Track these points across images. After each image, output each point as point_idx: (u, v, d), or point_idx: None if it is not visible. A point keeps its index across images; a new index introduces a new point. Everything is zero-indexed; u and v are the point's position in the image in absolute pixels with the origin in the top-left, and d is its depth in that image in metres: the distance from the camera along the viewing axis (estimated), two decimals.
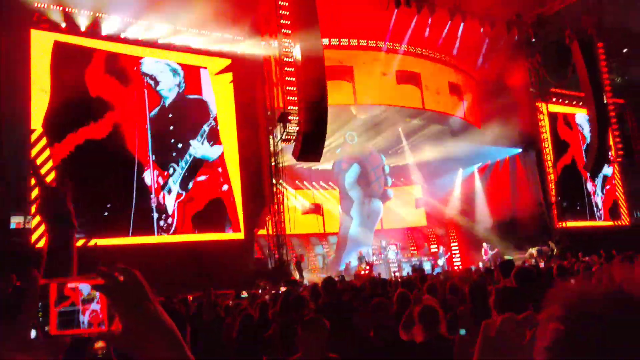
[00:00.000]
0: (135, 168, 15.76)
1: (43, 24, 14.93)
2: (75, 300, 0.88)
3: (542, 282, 5.87)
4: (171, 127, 16.76)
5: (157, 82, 16.85)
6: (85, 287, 0.89)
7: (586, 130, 25.58)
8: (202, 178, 16.98)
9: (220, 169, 17.39)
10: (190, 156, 16.88)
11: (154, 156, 16.18)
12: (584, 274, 7.05)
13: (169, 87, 16.99)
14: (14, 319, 0.85)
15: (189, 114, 17.15)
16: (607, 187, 26.49)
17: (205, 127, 17.31)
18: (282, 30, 15.85)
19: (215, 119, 17.50)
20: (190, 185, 16.69)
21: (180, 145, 16.77)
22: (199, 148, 17.06)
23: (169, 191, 16.27)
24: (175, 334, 0.90)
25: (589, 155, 23.22)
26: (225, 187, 17.32)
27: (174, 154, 16.63)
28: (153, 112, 16.49)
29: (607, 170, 25.67)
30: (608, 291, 0.76)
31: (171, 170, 16.47)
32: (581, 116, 26.01)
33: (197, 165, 16.97)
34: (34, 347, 0.86)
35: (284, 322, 5.72)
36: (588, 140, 24.98)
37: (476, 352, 0.70)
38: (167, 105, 16.81)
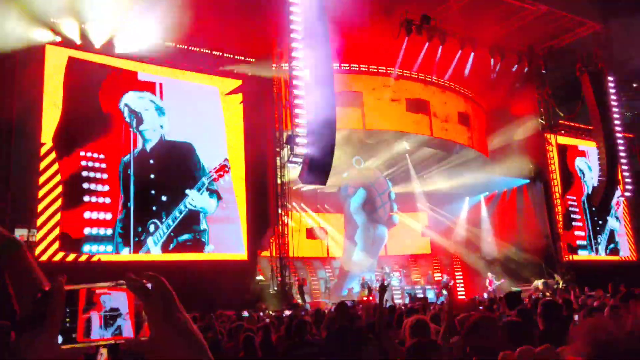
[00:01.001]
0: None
1: (58, 39, 15.16)
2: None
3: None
4: (152, 176, 15.56)
5: (139, 121, 15.65)
6: (108, 299, 0.87)
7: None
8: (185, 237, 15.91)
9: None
10: (185, 207, 15.89)
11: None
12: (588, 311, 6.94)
13: (153, 128, 15.79)
14: (40, 325, 0.84)
15: (174, 161, 16.05)
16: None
17: (205, 180, 16.37)
18: (293, 53, 16.00)
19: (215, 171, 16.42)
20: (172, 246, 15.57)
21: (164, 198, 15.62)
22: (197, 199, 16.08)
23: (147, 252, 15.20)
24: (204, 347, 0.88)
25: (597, 188, 23.10)
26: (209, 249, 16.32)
27: (155, 208, 15.45)
28: (127, 156, 15.39)
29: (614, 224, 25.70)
30: (634, 330, 0.75)
31: (152, 228, 15.32)
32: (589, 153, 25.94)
33: (194, 217, 16.09)
34: (60, 354, 0.84)
35: (287, 347, 5.64)
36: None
37: None
38: (148, 149, 15.74)
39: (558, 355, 0.69)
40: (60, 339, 0.85)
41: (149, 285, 0.88)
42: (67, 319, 0.85)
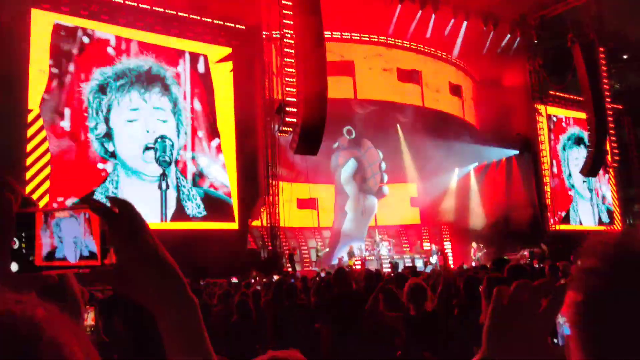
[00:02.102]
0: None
1: (44, 3, 14.80)
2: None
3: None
4: None
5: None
6: (72, 223, 0.81)
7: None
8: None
9: None
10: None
11: None
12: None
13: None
14: None
15: None
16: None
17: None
18: (284, 21, 15.76)
19: None
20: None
21: None
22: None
23: None
24: (177, 272, 0.83)
25: (586, 157, 23.30)
26: None
27: None
28: None
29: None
30: None
31: None
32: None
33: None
34: (16, 281, 0.78)
35: (276, 310, 5.71)
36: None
37: (486, 321, 0.67)
38: None
39: (558, 288, 0.67)
40: (15, 266, 0.79)
41: (115, 210, 0.81)
42: (23, 244, 0.79)
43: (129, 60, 16.05)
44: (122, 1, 15.81)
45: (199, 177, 16.81)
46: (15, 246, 0.80)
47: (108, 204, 0.83)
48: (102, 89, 15.40)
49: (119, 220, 0.81)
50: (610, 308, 0.70)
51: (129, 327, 2.19)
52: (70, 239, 0.80)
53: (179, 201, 16.27)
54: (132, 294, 0.82)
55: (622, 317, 0.69)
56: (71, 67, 15.06)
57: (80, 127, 14.98)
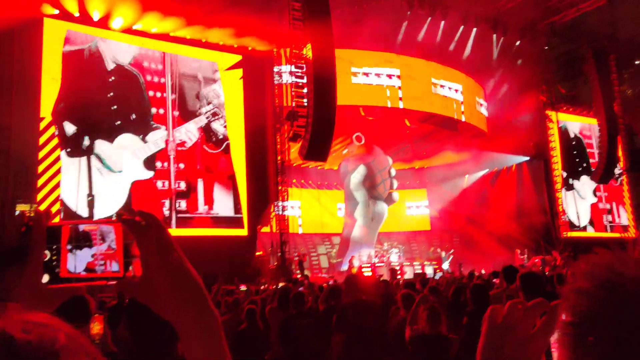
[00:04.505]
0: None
1: (56, 12, 14.98)
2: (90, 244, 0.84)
3: (547, 291, 5.82)
4: None
5: None
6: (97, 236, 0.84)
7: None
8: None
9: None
10: None
11: None
12: None
13: None
14: (23, 259, 0.81)
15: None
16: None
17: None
18: (294, 29, 15.84)
19: None
20: None
21: None
22: None
23: None
24: (201, 286, 0.83)
25: (597, 164, 23.11)
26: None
27: None
28: None
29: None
30: None
31: None
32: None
33: None
34: (47, 293, 0.81)
35: (281, 317, 5.69)
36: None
37: (481, 340, 0.67)
38: None
39: (553, 308, 0.65)
40: (46, 277, 0.82)
41: (143, 223, 0.83)
42: (54, 257, 0.82)
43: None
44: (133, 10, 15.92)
45: None
46: (46, 258, 0.82)
47: (135, 217, 0.84)
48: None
49: (146, 233, 0.83)
50: (599, 330, 0.69)
51: (134, 335, 2.20)
52: (96, 251, 0.82)
53: None
54: (155, 306, 0.82)
55: (611, 339, 0.68)
56: (82, 75, 15.16)
57: None
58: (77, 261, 0.82)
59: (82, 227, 0.83)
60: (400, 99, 20.50)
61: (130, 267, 0.83)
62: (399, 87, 20.53)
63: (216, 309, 0.84)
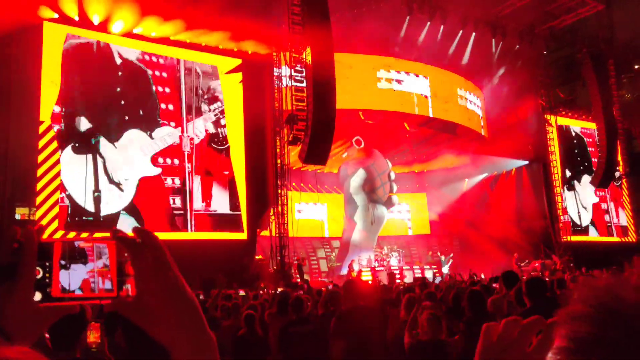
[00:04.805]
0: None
1: (56, 16, 14.99)
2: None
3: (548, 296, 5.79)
4: None
5: None
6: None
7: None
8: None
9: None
10: None
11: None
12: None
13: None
14: (12, 277, 0.79)
15: None
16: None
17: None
18: (294, 33, 15.87)
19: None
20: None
21: None
22: None
23: None
24: (197, 308, 0.81)
25: (596, 169, 23.13)
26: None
27: None
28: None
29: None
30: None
31: None
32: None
33: None
34: (38, 311, 0.79)
35: (281, 324, 5.67)
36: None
37: (476, 357, 0.66)
38: None
39: (549, 326, 0.64)
40: (38, 296, 0.79)
41: (138, 241, 0.81)
42: (46, 275, 0.79)
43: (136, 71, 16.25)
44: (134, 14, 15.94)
45: None
46: (39, 276, 0.80)
47: (131, 234, 0.82)
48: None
49: (141, 251, 0.80)
50: (599, 356, 0.68)
51: (129, 343, 2.19)
52: (89, 269, 0.80)
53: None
54: (148, 327, 0.80)
55: None
56: (81, 78, 15.18)
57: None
58: (70, 279, 0.80)
59: (76, 244, 0.81)
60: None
61: (125, 286, 0.80)
62: (427, 96, 20.78)
63: (212, 331, 0.82)
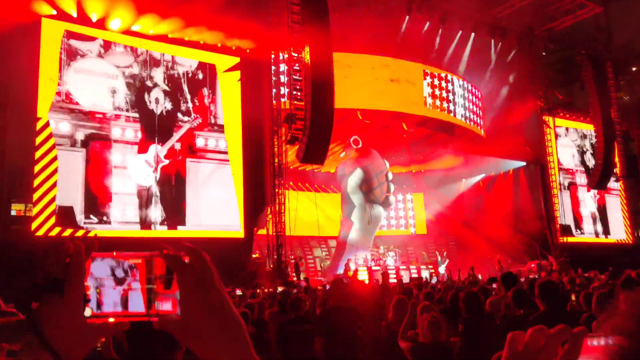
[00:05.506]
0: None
1: (54, 13, 14.94)
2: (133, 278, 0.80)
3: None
4: None
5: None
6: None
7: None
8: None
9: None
10: None
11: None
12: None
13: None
14: (60, 291, 0.79)
15: None
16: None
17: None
18: (293, 32, 15.85)
19: None
20: None
21: None
22: None
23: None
24: (242, 329, 0.81)
25: (593, 170, 23.19)
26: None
27: None
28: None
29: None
30: None
31: None
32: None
33: None
34: (86, 328, 0.79)
35: (281, 322, 5.68)
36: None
37: None
38: None
39: (575, 335, 0.63)
40: (88, 312, 0.78)
41: (186, 259, 0.81)
42: (97, 290, 0.79)
43: (133, 63, 16.18)
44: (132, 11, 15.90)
45: None
46: (89, 292, 0.79)
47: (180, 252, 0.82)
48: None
49: (188, 270, 0.80)
50: None
51: (131, 342, 2.18)
52: (126, 286, 0.80)
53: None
54: (193, 345, 0.80)
55: None
56: (67, 70, 15.07)
57: None
58: (114, 296, 0.80)
59: (126, 263, 0.80)
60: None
61: (155, 303, 0.79)
62: (425, 96, 20.83)
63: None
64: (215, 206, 16.82)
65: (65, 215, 14.03)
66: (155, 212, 15.62)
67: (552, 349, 0.73)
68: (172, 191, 16.10)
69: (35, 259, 10.95)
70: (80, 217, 14.38)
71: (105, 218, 14.79)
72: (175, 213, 16.04)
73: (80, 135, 14.69)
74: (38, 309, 0.79)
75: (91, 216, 14.60)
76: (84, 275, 0.79)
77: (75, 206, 14.32)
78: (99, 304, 0.79)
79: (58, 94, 14.52)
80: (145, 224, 15.43)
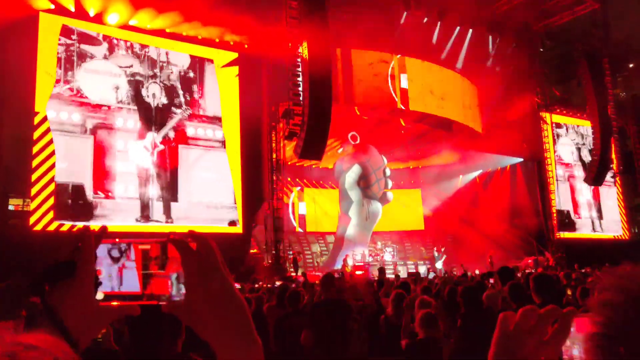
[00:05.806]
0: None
1: (52, 7, 14.90)
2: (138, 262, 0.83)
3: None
4: None
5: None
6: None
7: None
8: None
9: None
10: None
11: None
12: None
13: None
14: (71, 274, 0.81)
15: None
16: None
17: None
18: (291, 28, 15.84)
19: None
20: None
21: None
22: None
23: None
24: (245, 313, 0.83)
25: (590, 166, 23.25)
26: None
27: None
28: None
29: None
30: None
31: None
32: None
33: None
34: (98, 310, 0.81)
35: (279, 316, 5.71)
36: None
37: (492, 346, 0.66)
38: None
39: (565, 315, 0.64)
40: (100, 295, 0.81)
41: (194, 245, 0.83)
42: (109, 274, 0.82)
43: (134, 63, 16.25)
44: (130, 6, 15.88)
45: None
46: (101, 275, 0.82)
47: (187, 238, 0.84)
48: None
49: (195, 255, 0.82)
50: (631, 341, 0.70)
51: (132, 332, 2.20)
52: (128, 265, 0.82)
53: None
54: (198, 329, 0.82)
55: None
56: (78, 70, 15.20)
57: None
58: (124, 278, 0.82)
59: (127, 244, 0.82)
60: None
61: (149, 285, 0.82)
62: (423, 93, 20.84)
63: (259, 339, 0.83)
64: (214, 201, 16.89)
65: (77, 192, 14.75)
66: (153, 189, 16.20)
67: (543, 328, 0.76)
68: (167, 172, 16.61)
69: (33, 254, 10.95)
70: (89, 193, 15.00)
71: (110, 194, 15.41)
72: (169, 191, 16.45)
73: (89, 125, 15.36)
74: (50, 292, 0.81)
75: (99, 192, 15.16)
76: (95, 260, 0.82)
77: (85, 184, 14.98)
78: (115, 287, 0.82)
79: (71, 89, 15.16)
80: (144, 199, 15.93)
